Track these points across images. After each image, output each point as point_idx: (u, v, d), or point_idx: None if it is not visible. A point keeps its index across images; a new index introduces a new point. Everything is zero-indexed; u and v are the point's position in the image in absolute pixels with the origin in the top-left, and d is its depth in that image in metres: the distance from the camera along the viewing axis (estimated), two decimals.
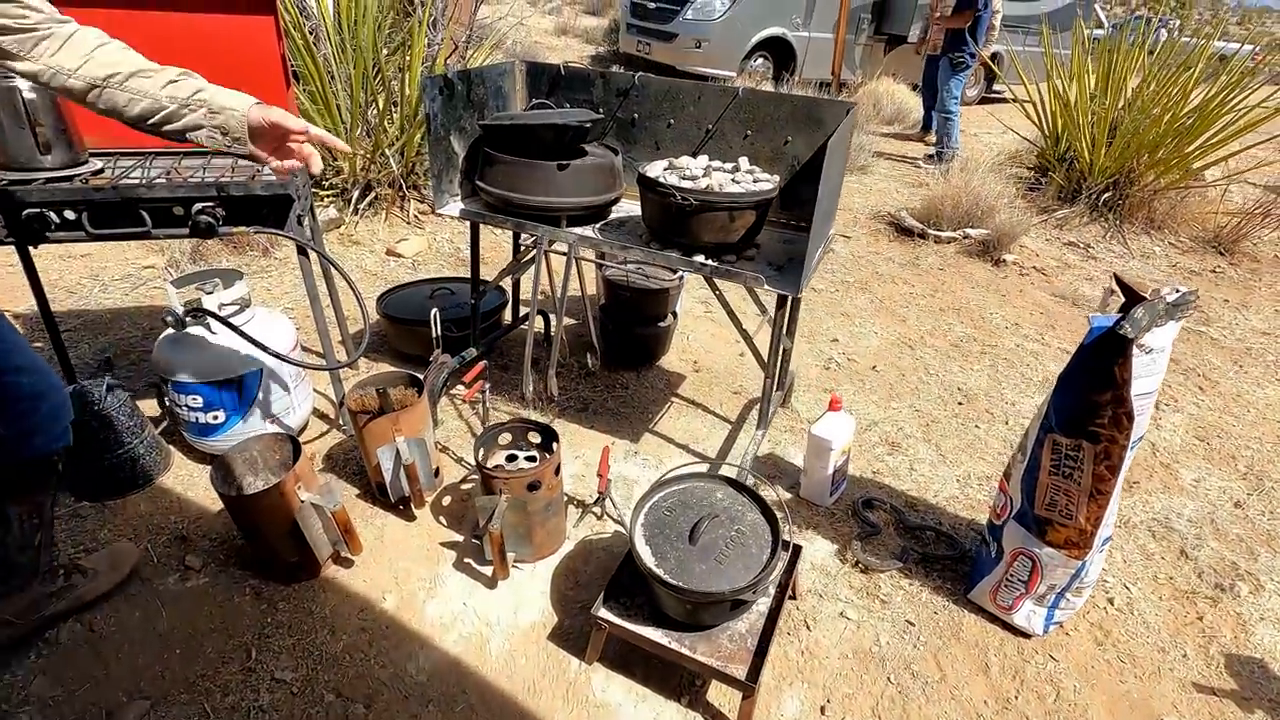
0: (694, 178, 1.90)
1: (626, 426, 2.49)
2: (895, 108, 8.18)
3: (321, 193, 3.94)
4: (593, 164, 2.06)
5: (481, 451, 1.85)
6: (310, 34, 3.85)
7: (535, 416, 2.49)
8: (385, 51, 4.15)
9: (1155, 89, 5.06)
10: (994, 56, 9.39)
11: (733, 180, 1.93)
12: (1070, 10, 9.41)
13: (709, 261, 1.89)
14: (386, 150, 3.96)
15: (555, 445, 1.84)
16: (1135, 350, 1.43)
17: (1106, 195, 5.10)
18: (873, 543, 2.03)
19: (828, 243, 2.05)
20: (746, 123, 2.13)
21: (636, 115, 2.27)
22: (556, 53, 10.53)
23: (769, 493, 2.04)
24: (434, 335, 2.28)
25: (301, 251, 2.08)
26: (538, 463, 1.90)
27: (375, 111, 3.93)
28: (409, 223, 4.12)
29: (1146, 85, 5.14)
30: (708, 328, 3.25)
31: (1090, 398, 1.48)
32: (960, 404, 2.81)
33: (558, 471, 1.82)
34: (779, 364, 2.10)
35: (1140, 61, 5.31)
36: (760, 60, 8.75)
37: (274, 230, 1.98)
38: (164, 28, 2.09)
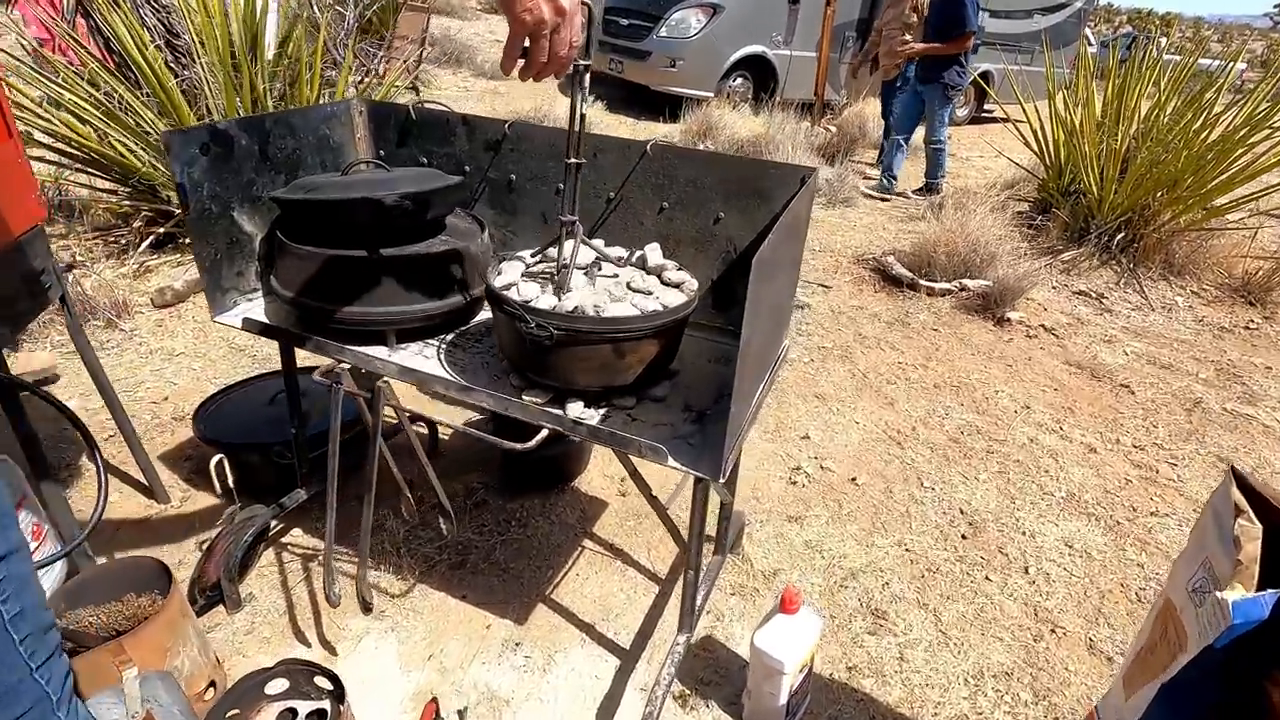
0: (563, 287, 1.25)
1: (515, 594, 1.83)
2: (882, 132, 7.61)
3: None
4: (438, 252, 1.41)
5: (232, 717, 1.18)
6: (178, 54, 3.20)
7: (395, 592, 1.82)
8: (279, 81, 3.50)
9: (1173, 116, 4.49)
10: (984, 74, 8.90)
11: (627, 287, 1.28)
12: (1070, 27, 8.89)
13: (587, 414, 1.24)
14: None
15: (342, 707, 1.17)
16: None
17: (1120, 236, 4.50)
18: None
19: (766, 391, 1.40)
20: (662, 191, 1.49)
21: (514, 176, 1.63)
22: None
23: None
24: (219, 484, 1.61)
25: None
26: None
27: None
28: None
29: (1161, 111, 4.57)
30: None
31: None
32: (964, 537, 2.16)
33: None
34: (700, 547, 1.45)
35: (1150, 84, 4.75)
36: (739, 80, 8.18)
37: None
38: None
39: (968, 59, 5.44)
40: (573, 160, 1.25)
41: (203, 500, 2.05)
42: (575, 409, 1.24)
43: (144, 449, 1.97)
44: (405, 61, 6.50)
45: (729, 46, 7.85)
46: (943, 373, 3.18)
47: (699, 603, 1.54)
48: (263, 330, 1.44)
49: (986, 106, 9.81)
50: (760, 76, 8.29)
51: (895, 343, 3.44)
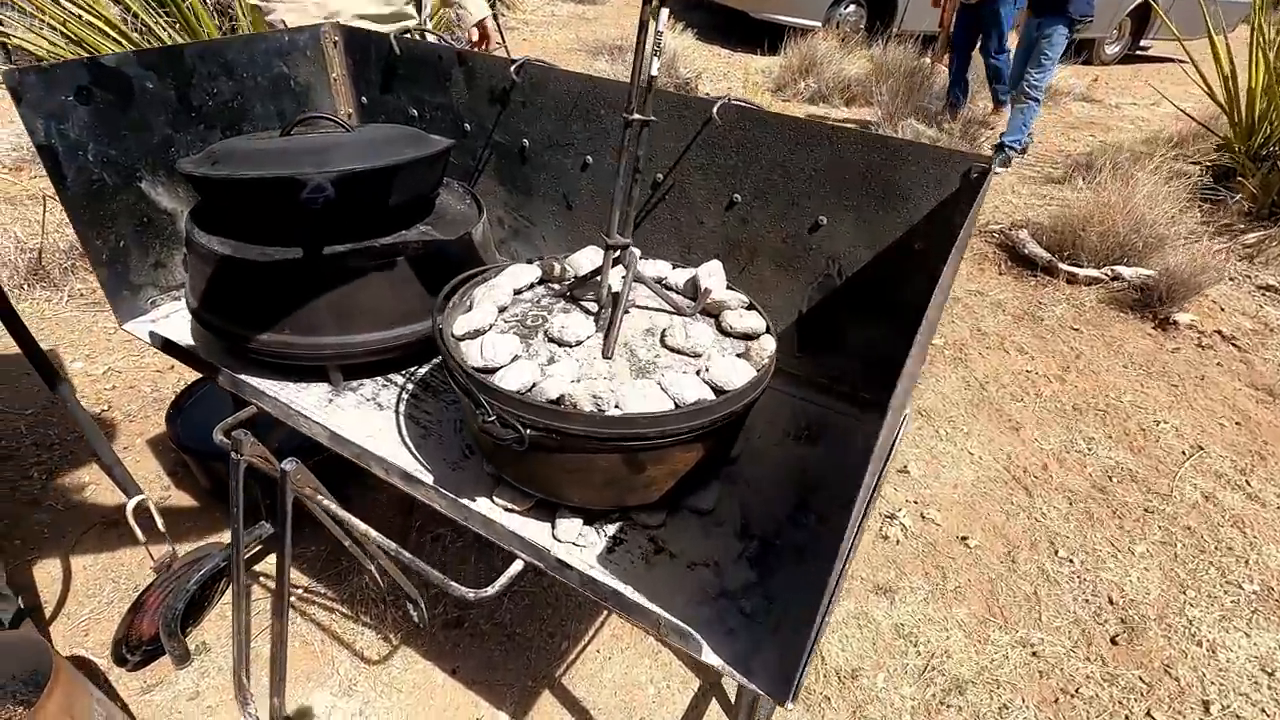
0: (563, 341, 0.79)
1: (518, 671, 1.45)
2: None
3: None
4: (412, 255, 0.97)
5: None
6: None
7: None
8: None
9: None
10: (1145, 3, 7.43)
11: (661, 343, 0.81)
12: None
13: (586, 537, 0.80)
14: None
15: None
16: None
17: None
18: None
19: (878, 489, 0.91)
20: (734, 177, 0.99)
21: (527, 141, 1.16)
22: None
23: None
24: (140, 532, 1.28)
25: None
26: None
27: None
28: None
29: None
30: None
31: None
32: (1115, 643, 1.62)
33: None
34: None
35: None
36: (852, 7, 7.19)
37: None
38: None
39: None
40: (637, 117, 0.77)
41: (183, 499, 1.78)
42: (569, 528, 0.80)
43: (109, 446, 1.68)
44: None
45: None
46: (1085, 389, 2.54)
47: None
48: (173, 351, 1.07)
49: (1142, 43, 8.34)
50: (876, 4, 7.26)
51: (1024, 344, 2.80)
